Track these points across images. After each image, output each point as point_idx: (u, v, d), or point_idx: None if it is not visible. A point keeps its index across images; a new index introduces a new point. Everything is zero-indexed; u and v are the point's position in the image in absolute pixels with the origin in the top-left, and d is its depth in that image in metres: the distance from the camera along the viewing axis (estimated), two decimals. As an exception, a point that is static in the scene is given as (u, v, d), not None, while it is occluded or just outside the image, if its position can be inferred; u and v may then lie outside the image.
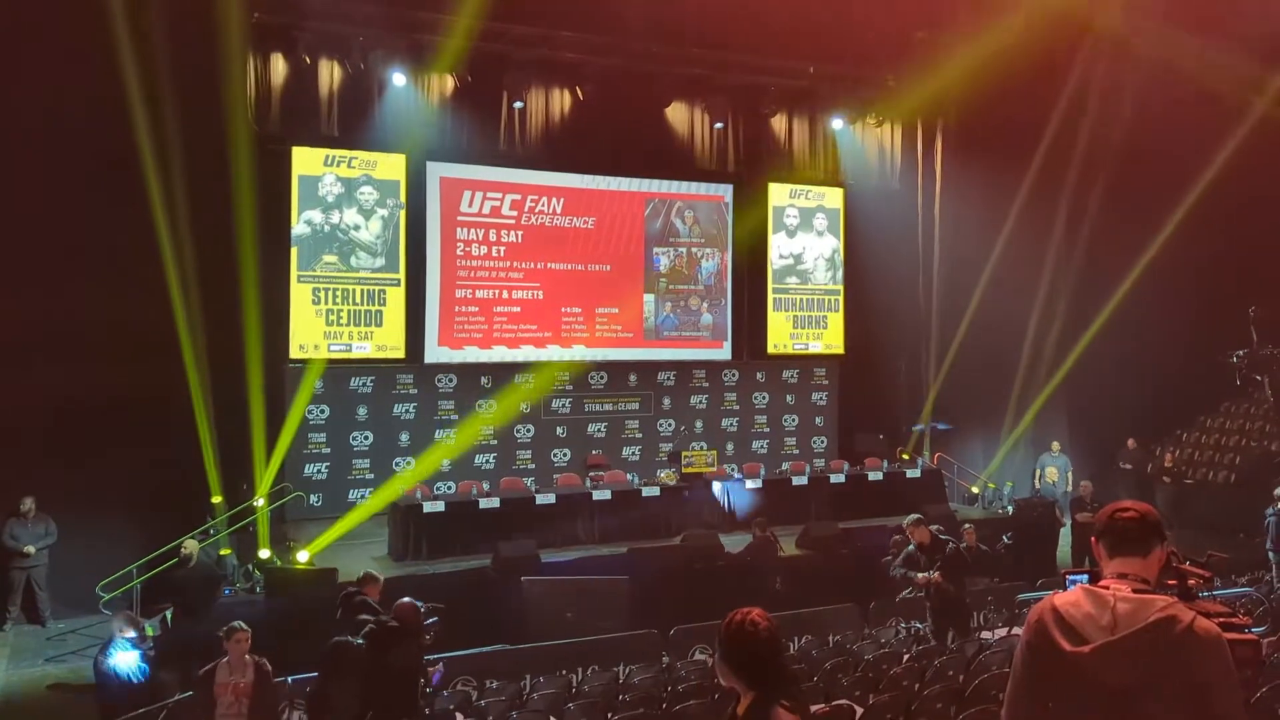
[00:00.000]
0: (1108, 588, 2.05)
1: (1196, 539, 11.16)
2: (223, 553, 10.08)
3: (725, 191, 15.29)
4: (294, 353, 12.23)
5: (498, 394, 13.74)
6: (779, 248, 15.62)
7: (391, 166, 12.93)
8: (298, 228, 12.36)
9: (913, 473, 13.82)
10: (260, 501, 10.76)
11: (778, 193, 15.62)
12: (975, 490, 14.28)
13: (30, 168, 9.34)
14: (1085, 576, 2.16)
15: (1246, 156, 14.28)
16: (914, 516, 8.47)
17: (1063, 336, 14.35)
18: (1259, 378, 14.28)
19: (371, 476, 12.83)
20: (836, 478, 13.41)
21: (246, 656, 6.03)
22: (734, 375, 15.40)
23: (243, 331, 10.69)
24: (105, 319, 9.55)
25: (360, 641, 6.22)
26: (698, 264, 15.10)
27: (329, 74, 12.51)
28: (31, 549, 9.53)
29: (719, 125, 15.07)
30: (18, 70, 9.20)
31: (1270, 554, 10.56)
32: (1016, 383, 14.52)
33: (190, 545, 9.21)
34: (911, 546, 8.17)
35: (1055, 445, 13.90)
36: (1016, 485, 14.28)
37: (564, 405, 14.24)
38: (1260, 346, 13.94)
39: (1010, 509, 13.13)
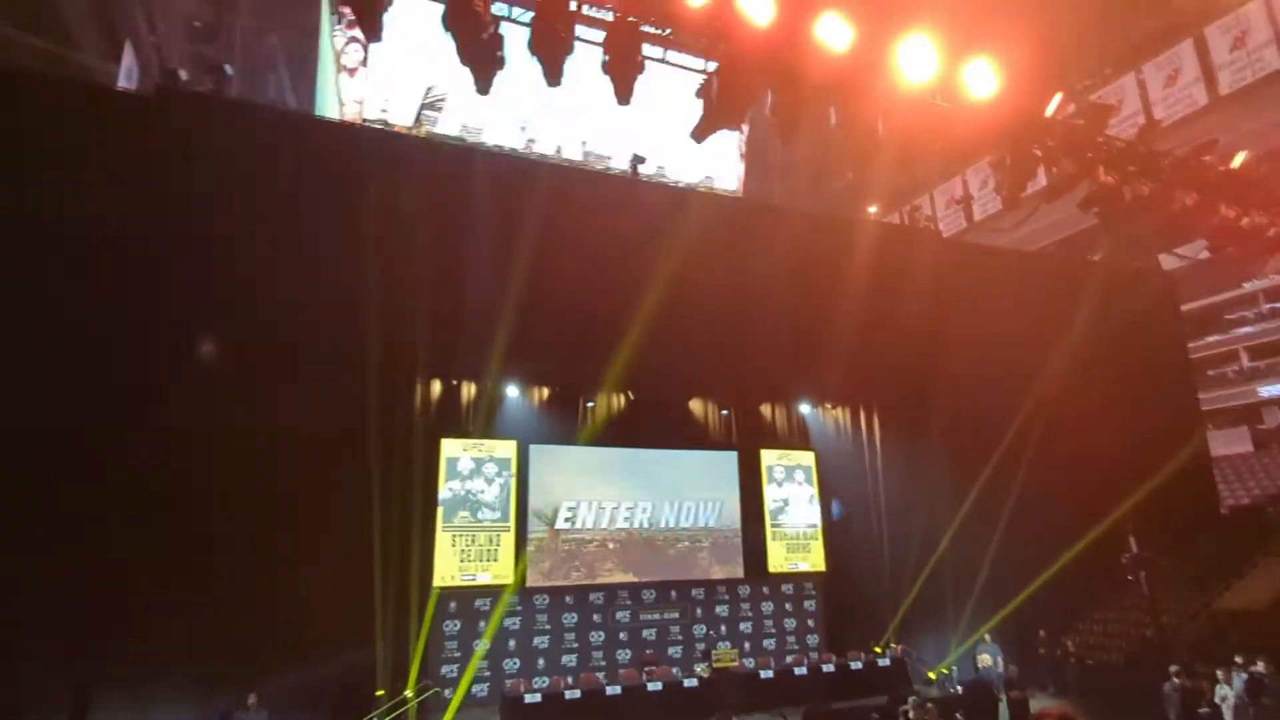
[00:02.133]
0: None
1: (1099, 708, 10.54)
2: (383, 736, 9.82)
3: (732, 457, 15.66)
4: (437, 581, 12.34)
5: (577, 609, 13.61)
6: (771, 495, 15.79)
7: (506, 449, 13.59)
8: (443, 493, 12.86)
9: (883, 661, 13.26)
10: (409, 695, 10.57)
11: (768, 456, 15.99)
12: (933, 675, 13.56)
13: (296, 465, 9.91)
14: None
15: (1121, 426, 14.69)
16: (914, 699, 8.18)
17: (989, 555, 13.93)
18: (1142, 573, 13.83)
19: (489, 674, 12.49)
20: (827, 667, 12.85)
21: None
22: (747, 590, 15.11)
23: (408, 566, 10.87)
24: (320, 566, 9.76)
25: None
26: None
27: (467, 390, 13.54)
28: (251, 735, 9.28)
29: (725, 412, 15.81)
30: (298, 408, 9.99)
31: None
32: (974, 592, 13.95)
33: (361, 731, 9.05)
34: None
35: (986, 636, 13.28)
36: (959, 670, 13.52)
37: (625, 616, 14.01)
38: (1140, 551, 13.60)
39: (959, 689, 12.44)
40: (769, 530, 15.47)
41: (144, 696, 9.09)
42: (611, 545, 14.07)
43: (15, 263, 8.97)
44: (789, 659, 13.79)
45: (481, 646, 12.43)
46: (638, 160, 15.13)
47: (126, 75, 13.76)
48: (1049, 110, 9.38)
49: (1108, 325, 15.95)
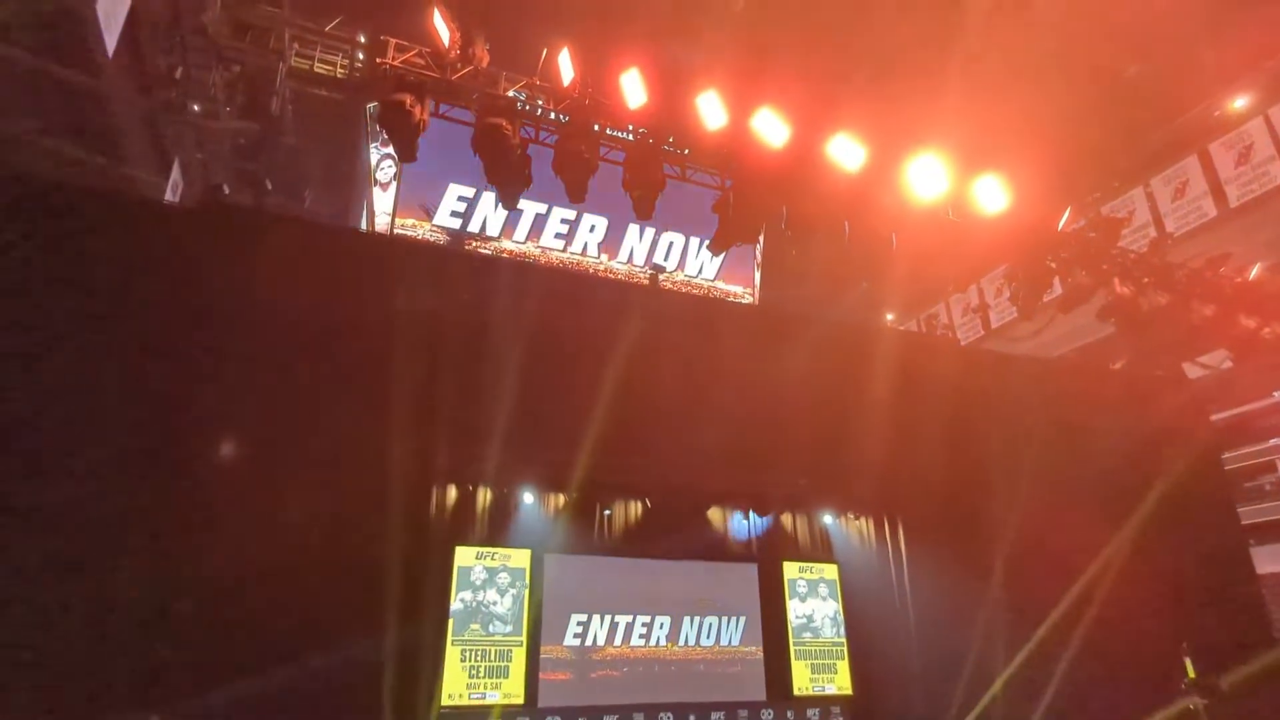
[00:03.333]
0: None
1: None
2: None
3: (752, 569, 15.25)
4: (444, 701, 11.87)
5: (590, 731, 12.97)
6: (794, 610, 15.25)
7: (521, 558, 13.35)
8: (455, 605, 12.56)
9: (919, 797, 12.40)
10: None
11: (789, 569, 15.56)
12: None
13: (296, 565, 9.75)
14: None
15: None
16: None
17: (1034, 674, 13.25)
18: (1203, 702, 12.95)
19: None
20: (858, 802, 12.05)
21: None
22: (769, 714, 14.31)
23: (416, 686, 10.48)
24: (328, 682, 9.45)
25: None
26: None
27: (483, 496, 13.47)
28: None
29: (744, 521, 15.53)
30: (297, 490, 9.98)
31: None
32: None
33: None
34: None
35: (1029, 772, 12.42)
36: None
37: (640, 741, 13.29)
38: (1199, 677, 12.79)
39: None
40: (792, 649, 14.84)
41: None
42: (625, 667, 13.54)
43: (65, 364, 9.23)
44: (816, 792, 12.95)
45: None
46: (658, 269, 15.58)
47: (173, 189, 14.62)
48: (1060, 224, 9.65)
49: (1136, 434, 15.70)
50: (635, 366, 12.36)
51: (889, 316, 25.64)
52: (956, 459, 13.69)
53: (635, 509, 14.69)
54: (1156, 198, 22.59)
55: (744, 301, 20.63)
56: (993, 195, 8.71)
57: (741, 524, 15.55)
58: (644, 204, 8.26)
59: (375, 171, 19.11)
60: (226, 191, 12.85)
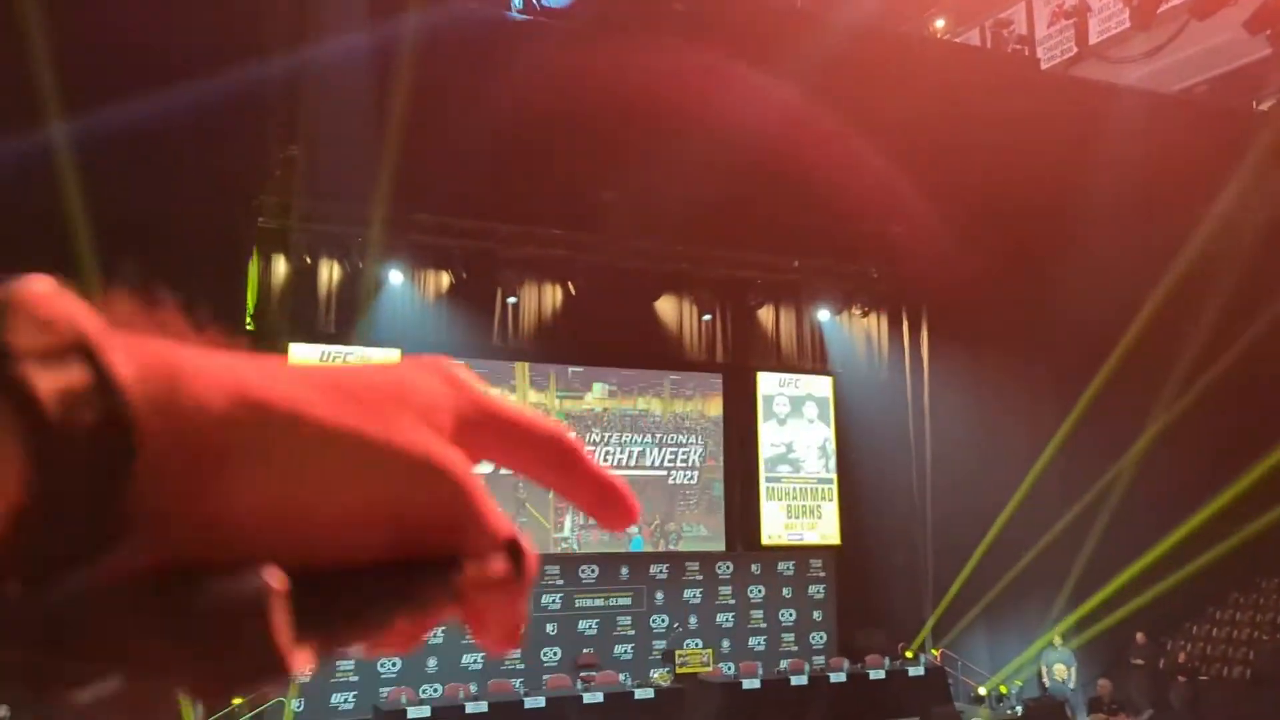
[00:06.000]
0: None
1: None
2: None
3: (714, 381, 15.74)
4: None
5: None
6: (769, 436, 15.92)
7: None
8: (290, 427, 12.74)
9: (916, 671, 13.75)
10: (236, 703, 10.75)
11: (766, 382, 16.06)
12: (982, 691, 14.13)
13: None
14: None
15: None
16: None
17: (1066, 526, 14.29)
18: None
19: (356, 679, 12.71)
20: (837, 676, 13.29)
21: None
22: (728, 567, 15.42)
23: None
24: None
25: None
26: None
27: (328, 273, 13.29)
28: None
29: (707, 317, 15.81)
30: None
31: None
32: (1053, 578, 14.33)
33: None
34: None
35: (1057, 639, 13.72)
36: (1025, 684, 14.06)
37: (554, 601, 14.24)
38: None
39: (1019, 710, 12.96)
40: (763, 486, 15.73)
41: None
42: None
43: None
44: (784, 664, 14.29)
45: None
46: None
47: None
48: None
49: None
50: (553, 85, 11.85)
51: (939, 23, 24.84)
52: (1020, 231, 13.79)
53: (553, 295, 14.74)
54: None
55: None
56: None
57: (703, 319, 15.80)
58: None
59: None
60: None
